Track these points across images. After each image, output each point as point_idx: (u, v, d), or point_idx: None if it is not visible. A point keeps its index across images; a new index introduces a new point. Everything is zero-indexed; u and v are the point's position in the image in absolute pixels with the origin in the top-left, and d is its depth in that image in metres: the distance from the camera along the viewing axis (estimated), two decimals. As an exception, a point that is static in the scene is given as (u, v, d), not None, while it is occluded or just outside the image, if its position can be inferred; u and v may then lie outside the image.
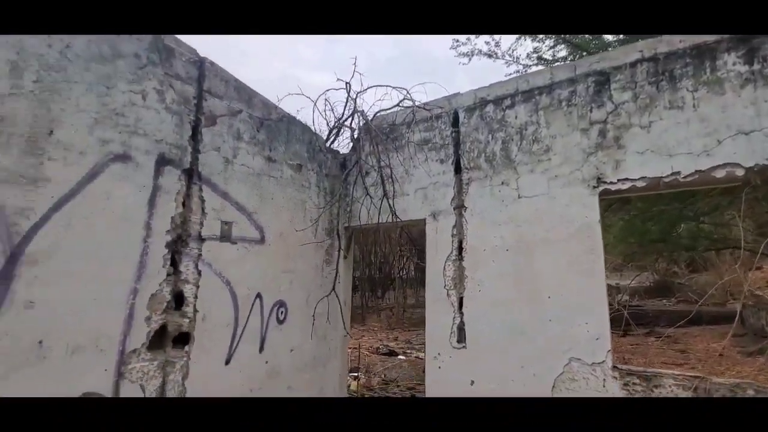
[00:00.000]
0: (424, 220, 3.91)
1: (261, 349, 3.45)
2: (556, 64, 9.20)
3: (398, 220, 3.72)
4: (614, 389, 2.79)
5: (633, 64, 3.05)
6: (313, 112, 4.67)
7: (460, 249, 3.63)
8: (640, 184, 2.91)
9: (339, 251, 4.17)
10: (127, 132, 2.64)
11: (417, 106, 3.85)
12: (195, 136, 3.07)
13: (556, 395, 2.99)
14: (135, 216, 2.65)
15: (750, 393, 2.40)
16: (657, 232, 8.92)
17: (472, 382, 3.35)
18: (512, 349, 3.20)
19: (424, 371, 7.76)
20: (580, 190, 3.13)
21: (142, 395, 2.61)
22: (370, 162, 4.16)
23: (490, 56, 11.66)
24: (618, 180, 2.99)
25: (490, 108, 3.71)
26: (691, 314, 4.74)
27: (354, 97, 4.23)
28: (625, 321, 5.69)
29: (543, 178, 3.31)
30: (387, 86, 3.97)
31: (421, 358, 8.74)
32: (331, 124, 4.77)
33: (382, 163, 3.67)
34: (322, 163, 4.39)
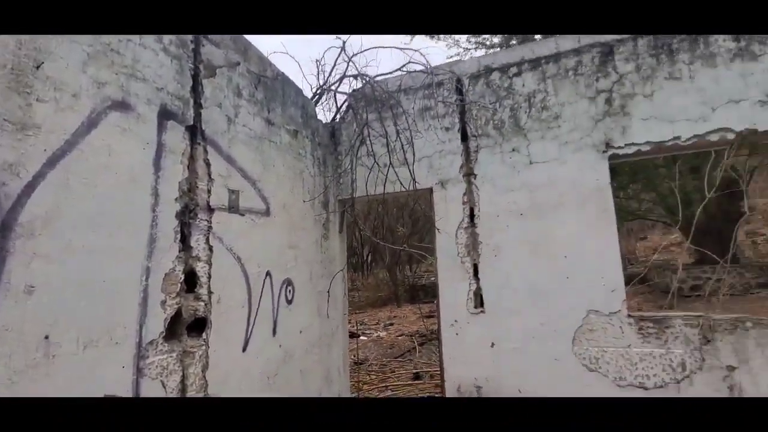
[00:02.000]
0: (431, 189, 3.85)
1: (274, 332, 3.12)
2: (534, 37, 9.60)
3: (412, 188, 3.60)
4: (631, 335, 3.09)
5: (634, 38, 3.30)
6: (321, 67, 4.17)
7: (472, 216, 3.66)
8: (645, 148, 3.20)
9: (343, 224, 3.92)
10: (124, 74, 2.12)
11: (424, 71, 3.73)
12: (196, 87, 2.60)
13: (576, 347, 3.20)
14: (141, 178, 2.17)
15: (748, 324, 2.84)
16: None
17: (493, 344, 3.44)
18: (532, 309, 3.35)
19: (391, 347, 7.84)
20: (590, 155, 3.33)
21: (163, 394, 2.18)
22: (370, 130, 3.94)
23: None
24: (625, 144, 3.24)
25: (495, 76, 3.74)
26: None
27: (350, 57, 3.95)
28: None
29: (554, 144, 3.45)
30: (394, 47, 3.77)
31: (383, 337, 8.81)
32: (316, 89, 4.42)
33: (399, 128, 3.50)
34: (315, 130, 4.05)
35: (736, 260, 9.74)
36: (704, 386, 2.94)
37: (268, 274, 3.10)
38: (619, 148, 3.25)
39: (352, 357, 6.99)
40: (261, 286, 3.01)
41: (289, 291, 3.35)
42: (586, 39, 3.47)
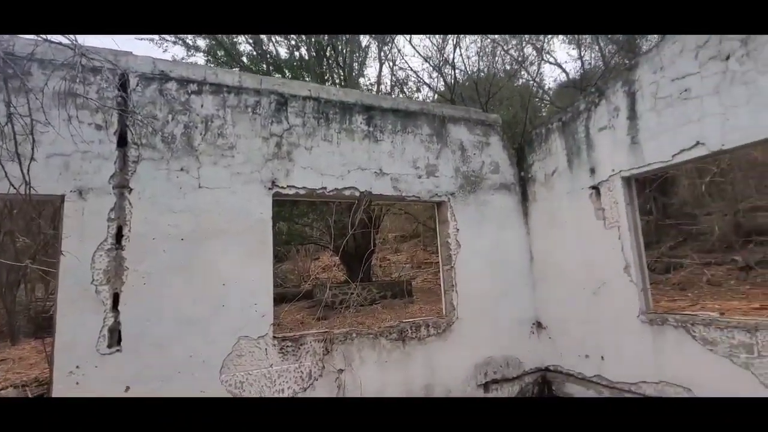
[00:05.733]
0: (62, 197, 2.98)
1: None
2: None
3: (26, 193, 2.60)
4: (273, 355, 3.40)
5: (304, 98, 3.88)
6: None
7: (119, 236, 3.08)
8: (302, 191, 3.75)
9: None
10: None
11: (71, 47, 2.89)
12: None
13: (224, 375, 3.20)
14: None
15: (354, 335, 3.74)
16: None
17: (127, 388, 2.92)
18: (180, 342, 3.10)
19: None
20: (258, 189, 3.56)
21: None
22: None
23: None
24: (287, 186, 3.68)
25: (172, 85, 3.41)
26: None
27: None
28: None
29: (226, 172, 3.47)
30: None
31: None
32: None
33: (15, 109, 2.48)
34: None
35: (369, 279, 13.09)
36: (322, 389, 3.62)
37: None
38: (282, 188, 3.67)
39: None
40: None
41: None
42: (267, 84, 3.78)
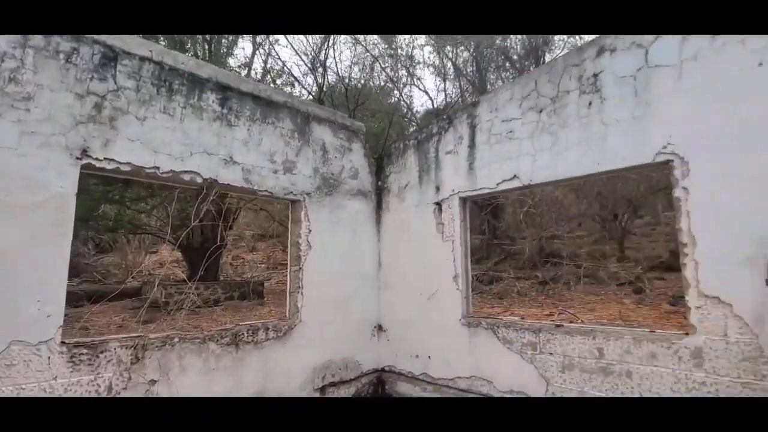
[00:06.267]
0: None
1: None
2: None
3: None
4: (59, 364, 2.70)
5: (142, 59, 3.29)
6: None
7: None
8: (125, 168, 3.14)
9: None
10: None
11: None
12: None
13: (-30, 394, 2.40)
14: None
15: (176, 340, 3.25)
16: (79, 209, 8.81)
17: None
18: None
19: None
20: (60, 157, 2.83)
21: None
22: None
23: None
24: (105, 158, 3.03)
25: (-66, -1, 2.48)
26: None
27: None
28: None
29: (15, 128, 2.66)
30: None
31: None
32: None
33: None
34: None
35: (216, 278, 11.90)
36: (128, 404, 3.04)
37: None
38: (98, 160, 3.01)
39: None
40: None
41: None
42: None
